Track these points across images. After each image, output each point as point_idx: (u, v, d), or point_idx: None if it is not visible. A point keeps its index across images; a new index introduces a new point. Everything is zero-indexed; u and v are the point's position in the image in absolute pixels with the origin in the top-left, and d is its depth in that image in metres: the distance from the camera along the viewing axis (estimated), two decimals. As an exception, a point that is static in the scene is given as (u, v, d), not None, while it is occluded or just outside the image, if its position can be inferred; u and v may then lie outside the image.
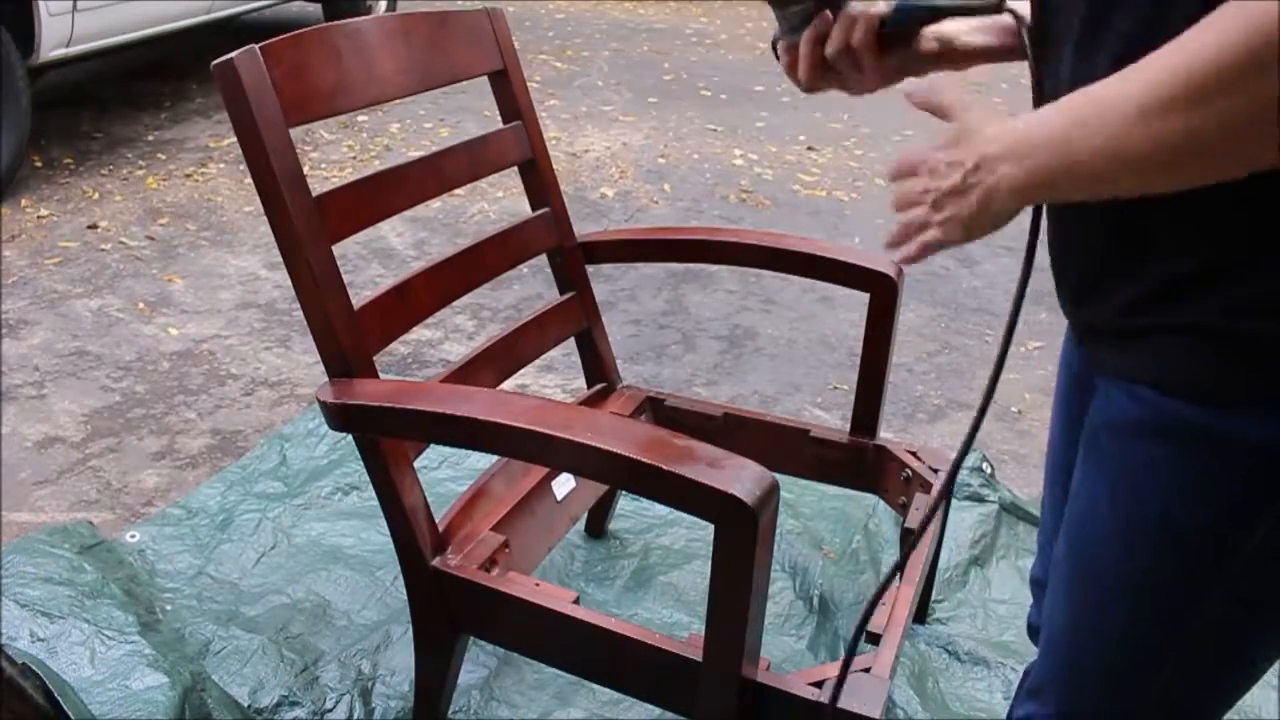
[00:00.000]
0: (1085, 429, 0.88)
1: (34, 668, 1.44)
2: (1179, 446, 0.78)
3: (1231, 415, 0.75)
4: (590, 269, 1.79)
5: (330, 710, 1.57)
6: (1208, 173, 0.66)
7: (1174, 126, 0.64)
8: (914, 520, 1.49)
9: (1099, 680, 0.89)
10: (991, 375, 0.87)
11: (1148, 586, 0.83)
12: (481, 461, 2.15)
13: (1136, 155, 0.67)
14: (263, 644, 1.67)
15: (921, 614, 1.82)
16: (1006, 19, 0.98)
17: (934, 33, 1.02)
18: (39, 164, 3.91)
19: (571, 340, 1.79)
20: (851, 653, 1.02)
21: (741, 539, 1.03)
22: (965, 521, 2.05)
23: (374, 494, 1.31)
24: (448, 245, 3.41)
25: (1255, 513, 0.76)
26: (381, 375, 1.33)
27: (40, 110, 3.98)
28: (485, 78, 1.62)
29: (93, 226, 3.42)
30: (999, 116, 0.80)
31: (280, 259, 1.25)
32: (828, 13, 0.98)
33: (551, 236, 1.71)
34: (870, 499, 2.11)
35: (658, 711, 1.58)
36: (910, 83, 0.90)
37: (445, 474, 2.17)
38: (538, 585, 1.30)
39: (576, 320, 1.76)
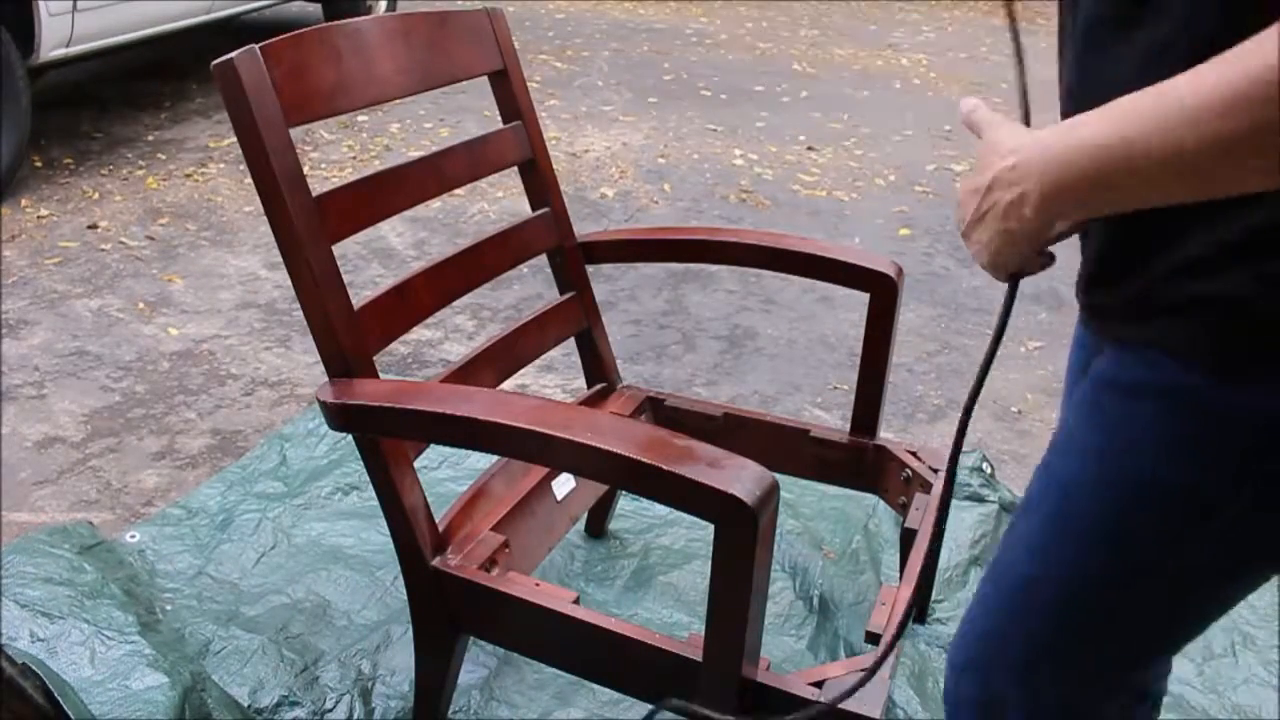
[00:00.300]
0: (1084, 390, 0.88)
1: (34, 668, 1.44)
2: (1178, 409, 0.79)
3: (1234, 386, 0.76)
4: (590, 269, 1.79)
5: (330, 710, 1.57)
6: (1258, 178, 0.65)
7: (1228, 128, 0.64)
8: (914, 520, 1.49)
9: (1053, 635, 0.90)
10: (973, 386, 0.89)
11: (1127, 540, 0.84)
12: (481, 462, 2.15)
13: (1183, 160, 0.66)
14: (263, 644, 1.67)
15: (921, 614, 1.82)
16: None
17: None
18: (39, 164, 3.91)
19: (572, 341, 1.79)
20: (901, 627, 1.02)
21: (742, 539, 1.03)
22: (965, 521, 2.05)
23: (374, 494, 1.31)
24: (448, 245, 3.41)
25: (1246, 477, 0.78)
26: (381, 375, 1.33)
27: (40, 110, 3.98)
28: (485, 78, 1.62)
29: (93, 226, 3.42)
30: (1022, 132, 0.79)
31: (280, 259, 1.25)
32: None
33: (551, 236, 1.71)
34: (870, 499, 2.11)
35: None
36: (964, 101, 0.91)
37: (445, 474, 2.17)
38: (538, 585, 1.31)
39: (576, 320, 1.76)
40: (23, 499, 2.06)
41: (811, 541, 2.00)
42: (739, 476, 1.03)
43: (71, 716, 1.42)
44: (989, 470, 2.20)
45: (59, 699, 1.42)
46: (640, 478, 1.08)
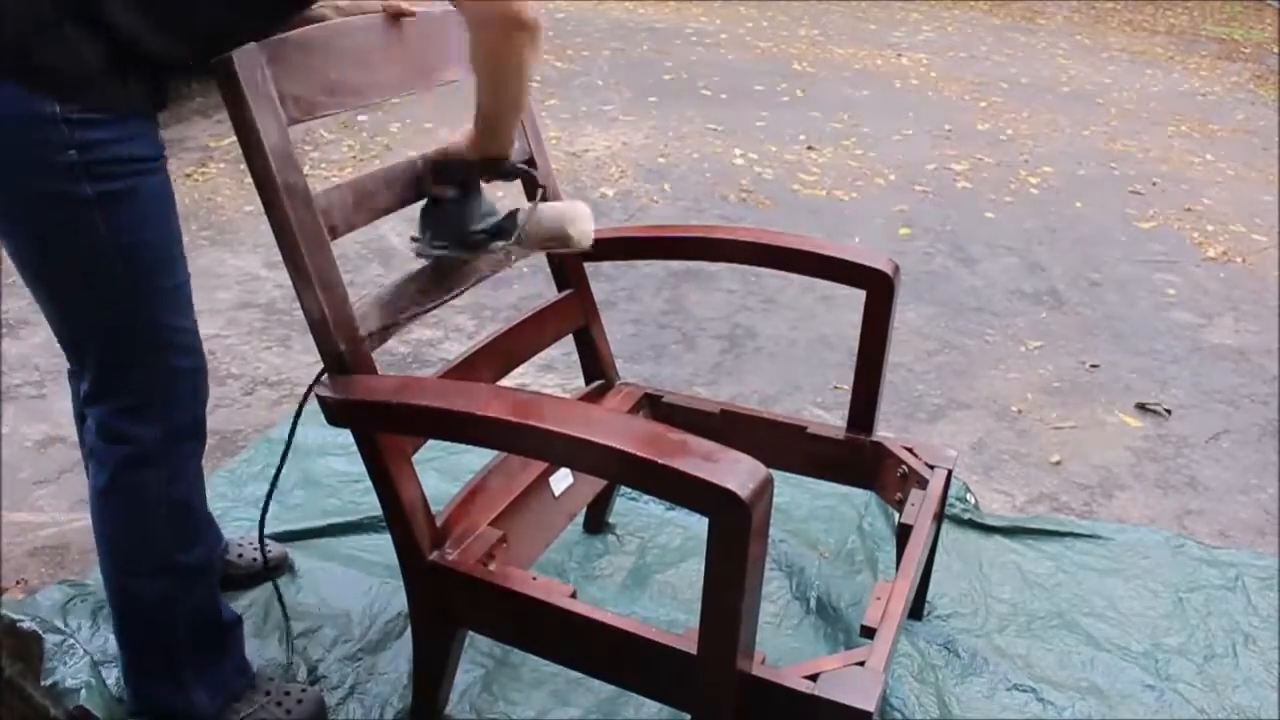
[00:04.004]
0: None
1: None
2: None
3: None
4: (589, 267, 1.80)
5: (331, 708, 1.57)
6: None
7: None
8: (910, 516, 1.49)
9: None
10: None
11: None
12: (478, 459, 2.15)
13: None
14: (262, 643, 1.67)
15: (918, 610, 1.82)
16: None
17: None
18: (40, 164, 3.91)
19: (571, 341, 1.80)
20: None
21: (736, 532, 1.03)
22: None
23: (369, 491, 1.31)
24: (448, 245, 3.40)
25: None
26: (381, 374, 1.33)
27: (41, 111, 3.98)
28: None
29: (94, 227, 3.42)
30: None
31: (280, 258, 1.25)
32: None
33: (549, 234, 1.71)
34: (862, 497, 2.11)
35: (655, 709, 1.58)
36: None
37: (433, 479, 2.17)
38: (534, 579, 1.31)
39: (574, 317, 1.76)
40: (23, 498, 2.07)
41: (806, 542, 2.00)
42: (733, 470, 1.04)
43: (68, 717, 1.43)
44: (973, 501, 2.17)
45: (59, 698, 1.43)
46: (636, 472, 1.08)
